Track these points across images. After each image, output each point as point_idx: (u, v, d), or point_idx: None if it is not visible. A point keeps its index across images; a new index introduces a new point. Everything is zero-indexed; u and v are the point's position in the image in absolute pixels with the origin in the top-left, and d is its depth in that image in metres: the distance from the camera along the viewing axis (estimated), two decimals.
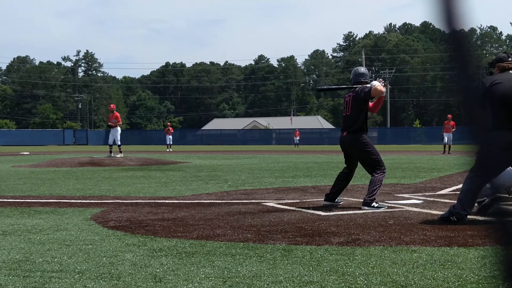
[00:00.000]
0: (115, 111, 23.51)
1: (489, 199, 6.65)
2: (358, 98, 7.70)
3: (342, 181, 7.98)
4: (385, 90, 7.76)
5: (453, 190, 9.98)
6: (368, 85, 7.74)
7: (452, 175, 13.86)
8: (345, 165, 8.06)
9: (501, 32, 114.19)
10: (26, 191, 10.50)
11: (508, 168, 6.51)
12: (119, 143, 23.33)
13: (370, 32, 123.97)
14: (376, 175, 7.58)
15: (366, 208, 7.40)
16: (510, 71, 6.22)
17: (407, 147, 51.11)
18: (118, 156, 22.54)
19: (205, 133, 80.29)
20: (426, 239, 5.22)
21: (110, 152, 23.33)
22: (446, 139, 30.58)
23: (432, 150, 38.76)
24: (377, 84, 7.60)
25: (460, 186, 9.39)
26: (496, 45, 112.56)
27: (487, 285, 3.63)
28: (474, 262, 4.29)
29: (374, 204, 7.43)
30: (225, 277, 3.93)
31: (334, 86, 8.73)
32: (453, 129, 30.31)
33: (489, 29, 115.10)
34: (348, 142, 7.79)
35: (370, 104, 7.93)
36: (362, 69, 8.11)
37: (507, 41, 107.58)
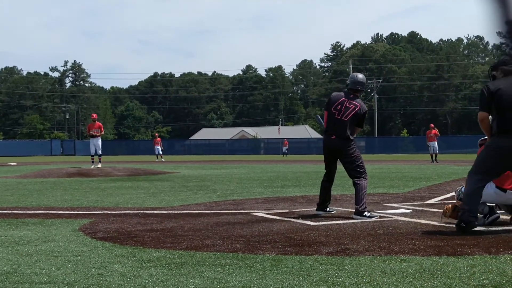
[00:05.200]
0: (97, 121, 23.78)
1: None
2: (358, 116, 7.73)
3: (326, 188, 8.01)
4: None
5: (441, 199, 10.01)
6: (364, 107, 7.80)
7: (440, 184, 13.91)
8: (325, 172, 8.06)
9: (487, 42, 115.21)
10: (14, 202, 10.41)
11: (489, 186, 6.53)
12: (100, 152, 23.44)
13: (357, 42, 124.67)
14: (360, 182, 7.58)
15: (358, 217, 7.40)
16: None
17: (395, 156, 51.27)
18: (99, 166, 22.54)
19: (193, 143, 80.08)
20: (415, 249, 5.23)
21: (92, 162, 23.38)
22: (431, 149, 30.82)
23: (419, 159, 38.92)
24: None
25: (449, 195, 9.41)
26: (483, 55, 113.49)
27: None
28: (463, 271, 4.30)
29: (366, 213, 7.43)
30: (214, 287, 3.91)
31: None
32: (436, 136, 30.57)
33: (475, 39, 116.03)
34: (336, 145, 7.76)
35: None
36: (360, 77, 7.97)
37: (494, 50, 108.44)
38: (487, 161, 6.22)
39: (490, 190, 6.55)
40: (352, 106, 7.76)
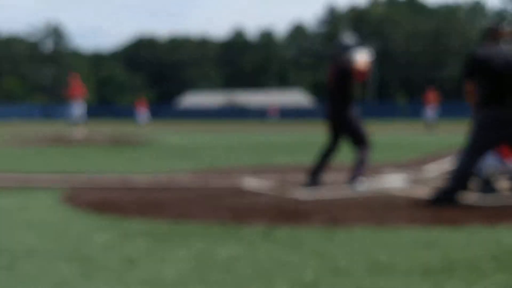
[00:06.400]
0: (78, 84, 22.69)
1: None
2: (341, 71, 7.46)
3: (325, 158, 7.77)
4: (366, 63, 7.47)
5: (438, 169, 9.88)
6: (353, 56, 7.46)
7: (437, 153, 13.74)
8: (329, 141, 7.84)
9: (487, 8, 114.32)
10: None
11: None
12: (83, 117, 22.90)
13: (354, 5, 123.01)
14: (361, 152, 7.40)
15: (350, 187, 7.23)
16: (502, 43, 6.07)
17: (392, 122, 51.25)
18: (82, 131, 22.14)
19: (180, 109, 79.59)
20: (410, 219, 5.13)
21: (74, 127, 22.71)
22: (427, 116, 28.95)
23: (416, 126, 38.84)
24: (359, 60, 7.37)
25: (446, 164, 9.31)
26: (482, 20, 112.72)
27: (471, 265, 3.59)
28: (459, 242, 4.24)
29: (359, 183, 7.25)
30: (202, 259, 3.80)
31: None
32: (434, 103, 28.89)
33: (474, 4, 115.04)
34: (333, 115, 7.59)
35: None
36: (348, 39, 7.67)
37: (493, 16, 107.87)
38: (478, 136, 6.06)
39: (488, 161, 6.45)
40: (332, 71, 7.60)
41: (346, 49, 7.55)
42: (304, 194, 6.83)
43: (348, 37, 7.81)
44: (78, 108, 22.51)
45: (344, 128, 7.55)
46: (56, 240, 4.43)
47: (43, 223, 5.09)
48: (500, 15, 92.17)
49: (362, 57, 7.33)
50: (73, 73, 24.81)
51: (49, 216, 5.44)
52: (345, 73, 7.45)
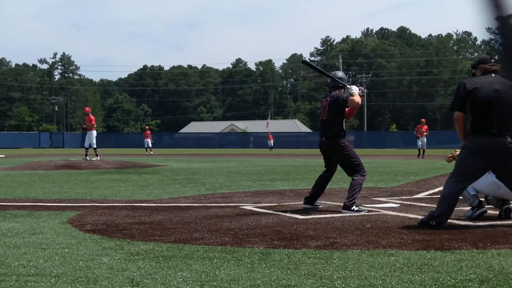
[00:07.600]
0: (90, 114, 23.97)
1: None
2: (335, 103, 7.73)
3: (321, 183, 8.01)
4: (361, 99, 7.80)
5: (429, 194, 10.06)
6: (349, 90, 7.76)
7: (428, 179, 13.97)
8: (325, 168, 8.10)
9: (475, 38, 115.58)
10: (2, 194, 10.35)
11: (488, 176, 6.53)
12: (95, 146, 23.51)
13: (347, 36, 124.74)
14: (356, 178, 7.60)
15: (346, 211, 7.41)
16: (492, 74, 6.23)
17: (384, 151, 51.39)
18: (94, 159, 22.72)
19: (183, 136, 79.86)
20: (403, 243, 5.25)
21: (86, 155, 23.49)
22: (419, 143, 31.05)
23: (408, 154, 39.06)
24: (355, 92, 7.66)
25: (436, 189, 9.47)
26: (472, 50, 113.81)
27: None
28: (451, 265, 4.32)
29: (354, 207, 7.45)
30: (202, 280, 3.91)
31: (319, 67, 8.61)
32: (426, 133, 30.81)
33: (464, 35, 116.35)
34: (327, 146, 7.81)
35: (346, 110, 7.94)
36: (340, 74, 8.13)
37: (482, 46, 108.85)
38: (466, 162, 6.19)
39: (488, 180, 6.56)
40: (325, 104, 7.84)
41: (341, 80, 7.92)
42: (301, 217, 6.99)
43: (340, 72, 8.22)
44: (88, 137, 23.37)
45: (338, 158, 7.78)
46: (63, 262, 4.51)
47: (50, 246, 5.20)
48: (489, 45, 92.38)
49: (356, 95, 7.66)
50: (85, 107, 26.37)
51: (57, 239, 5.57)
52: (337, 105, 7.73)
